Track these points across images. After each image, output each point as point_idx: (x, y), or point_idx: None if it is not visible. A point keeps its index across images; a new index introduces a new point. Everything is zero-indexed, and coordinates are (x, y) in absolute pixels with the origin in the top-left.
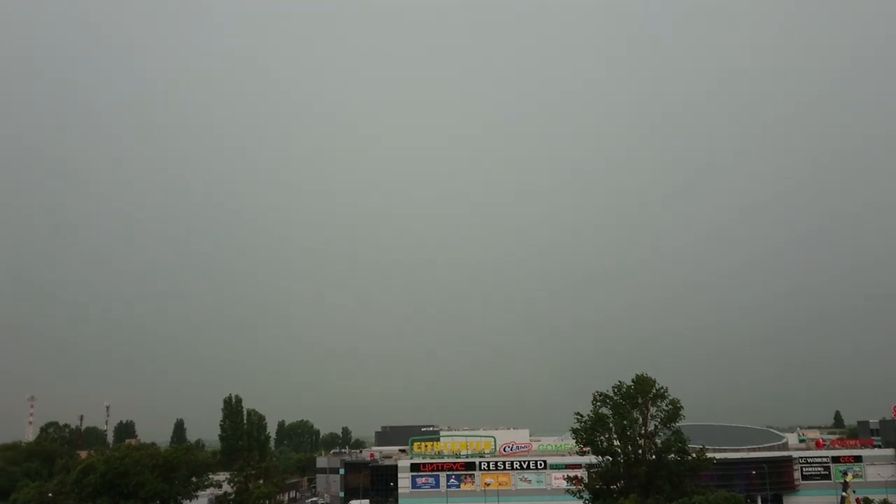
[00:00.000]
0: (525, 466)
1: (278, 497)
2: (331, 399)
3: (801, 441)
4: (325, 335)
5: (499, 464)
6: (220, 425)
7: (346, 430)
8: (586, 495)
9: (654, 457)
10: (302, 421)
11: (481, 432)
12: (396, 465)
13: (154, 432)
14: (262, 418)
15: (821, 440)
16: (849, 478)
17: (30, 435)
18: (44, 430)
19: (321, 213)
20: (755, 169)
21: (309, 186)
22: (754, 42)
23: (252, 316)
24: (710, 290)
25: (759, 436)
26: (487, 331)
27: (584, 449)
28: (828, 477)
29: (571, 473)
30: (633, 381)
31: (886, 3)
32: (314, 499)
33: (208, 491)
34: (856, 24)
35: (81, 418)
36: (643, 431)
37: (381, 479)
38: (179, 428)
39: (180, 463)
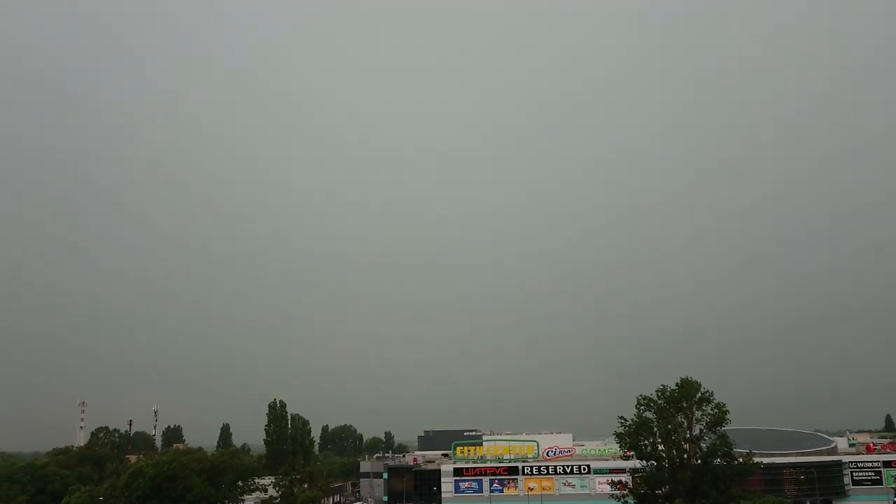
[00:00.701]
0: (568, 471)
1: (323, 501)
2: (373, 403)
3: (851, 445)
4: (364, 341)
5: (542, 468)
6: (265, 430)
7: (388, 435)
8: (631, 500)
9: (699, 461)
10: (345, 425)
11: (524, 437)
12: (439, 470)
13: (201, 437)
14: (306, 423)
15: (871, 444)
16: None
17: (81, 440)
18: (94, 434)
19: (355, 218)
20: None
21: (343, 198)
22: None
23: (285, 327)
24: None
25: (807, 440)
26: (520, 332)
27: (629, 453)
28: (879, 482)
29: (615, 478)
30: (677, 384)
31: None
32: (358, 503)
33: (254, 495)
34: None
35: (130, 423)
36: (688, 436)
37: (425, 484)
38: (225, 433)
39: (227, 467)
